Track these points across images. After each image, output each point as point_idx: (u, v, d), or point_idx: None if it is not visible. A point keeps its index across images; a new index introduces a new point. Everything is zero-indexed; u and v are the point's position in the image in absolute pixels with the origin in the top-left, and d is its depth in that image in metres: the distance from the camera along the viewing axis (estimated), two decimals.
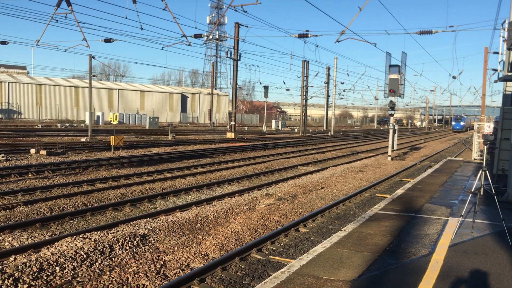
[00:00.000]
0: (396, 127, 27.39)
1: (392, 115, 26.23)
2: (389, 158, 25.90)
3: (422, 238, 8.17)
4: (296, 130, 67.05)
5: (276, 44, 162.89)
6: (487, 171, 9.85)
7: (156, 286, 6.69)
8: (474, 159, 26.00)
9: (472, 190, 9.64)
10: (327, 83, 68.32)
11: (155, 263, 7.55)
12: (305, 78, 58.78)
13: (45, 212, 10.89)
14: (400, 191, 13.36)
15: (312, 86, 61.77)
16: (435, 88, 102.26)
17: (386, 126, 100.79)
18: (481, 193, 10.46)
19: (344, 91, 71.15)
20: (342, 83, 68.33)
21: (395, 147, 27.55)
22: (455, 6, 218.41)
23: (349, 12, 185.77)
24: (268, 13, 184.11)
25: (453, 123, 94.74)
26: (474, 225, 8.84)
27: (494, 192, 9.72)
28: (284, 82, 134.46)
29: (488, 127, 23.63)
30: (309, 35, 23.68)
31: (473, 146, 27.22)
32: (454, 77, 47.48)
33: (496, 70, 35.99)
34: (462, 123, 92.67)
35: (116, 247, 7.95)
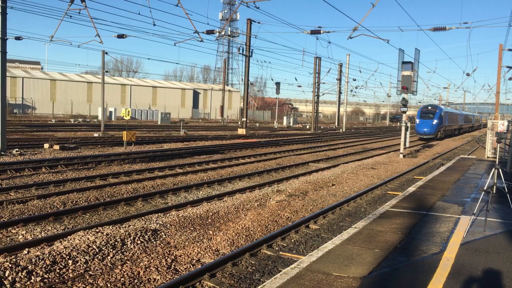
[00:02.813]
0: (409, 124, 27.19)
1: (404, 112, 26.03)
2: (401, 156, 25.75)
3: (434, 236, 8.12)
4: (307, 127, 66.90)
5: (288, 40, 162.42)
6: (500, 169, 9.76)
7: (167, 281, 6.74)
8: (488, 157, 25.75)
9: (485, 188, 9.55)
10: (339, 79, 68.03)
11: (166, 257, 7.61)
12: (317, 74, 58.57)
13: (58, 206, 11.02)
14: (411, 189, 13.28)
15: (324, 83, 61.66)
16: (448, 85, 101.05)
17: (398, 123, 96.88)
18: (494, 192, 10.37)
19: (356, 87, 70.65)
20: (354, 79, 68.06)
21: (407, 145, 27.37)
22: (469, 2, 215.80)
23: (362, 8, 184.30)
24: (280, 9, 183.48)
25: (417, 121, 46.56)
26: (486, 224, 8.77)
27: (507, 190, 9.64)
28: (296, 79, 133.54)
29: (502, 125, 23.37)
30: (321, 32, 23.58)
31: (487, 144, 26.95)
32: (468, 74, 47.06)
33: (511, 67, 35.56)
34: (435, 122, 45.22)
35: (127, 241, 8.03)
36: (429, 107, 46.38)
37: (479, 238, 8.06)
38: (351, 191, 14.65)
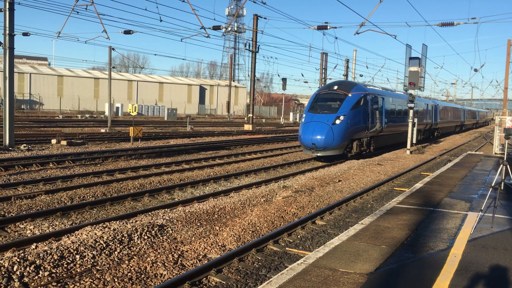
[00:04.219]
0: (416, 120, 27.08)
1: (411, 108, 25.94)
2: (408, 152, 25.65)
3: (441, 232, 8.09)
4: None
5: (294, 36, 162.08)
6: (508, 166, 9.70)
7: (173, 276, 6.77)
8: (495, 153, 25.60)
9: (492, 185, 9.49)
10: (346, 75, 67.79)
11: (173, 253, 7.64)
12: (323, 70, 58.41)
13: (65, 201, 11.08)
14: (418, 185, 13.23)
15: (330, 79, 61.16)
16: (456, 81, 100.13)
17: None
18: (502, 188, 10.31)
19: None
20: (361, 75, 67.64)
21: (414, 141, 27.27)
22: None
23: (369, 3, 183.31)
24: (287, 4, 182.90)
25: (303, 117, 21.20)
26: (494, 220, 8.72)
27: None
28: (302, 75, 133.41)
29: (510, 121, 23.21)
30: (328, 27, 23.48)
31: (494, 140, 26.79)
32: (475, 70, 46.64)
33: None
34: (340, 119, 20.07)
35: (134, 236, 8.06)
36: (335, 87, 21.99)
37: (486, 234, 8.02)
38: (357, 187, 14.61)
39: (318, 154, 20.29)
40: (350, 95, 21.05)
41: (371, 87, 24.51)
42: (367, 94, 22.20)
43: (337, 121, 19.94)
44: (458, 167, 18.00)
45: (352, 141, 21.41)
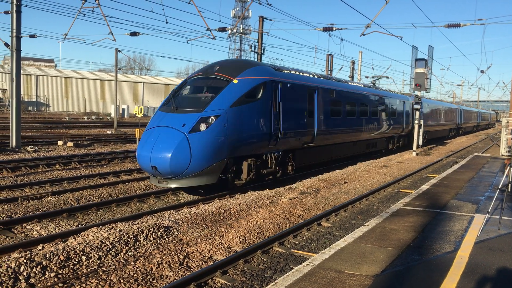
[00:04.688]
0: (422, 122, 26.99)
1: (417, 109, 25.85)
2: (414, 154, 25.56)
3: (447, 234, 8.05)
4: None
5: (300, 37, 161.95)
6: None
7: (179, 277, 6.77)
8: (502, 155, 25.46)
9: (500, 187, 9.44)
10: (352, 77, 67.69)
11: (179, 254, 7.64)
12: (329, 72, 58.34)
13: (72, 203, 11.12)
14: (425, 187, 13.17)
15: None
16: (462, 83, 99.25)
17: None
18: (509, 190, 10.25)
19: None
20: (366, 77, 67.52)
21: (421, 142, 27.16)
22: None
23: (375, 5, 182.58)
24: (292, 6, 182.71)
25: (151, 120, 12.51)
26: (501, 222, 8.67)
27: None
28: None
29: None
30: (334, 29, 23.41)
31: (501, 142, 26.65)
32: (482, 72, 46.35)
33: None
34: (209, 122, 11.40)
35: (140, 238, 8.08)
36: (216, 68, 13.26)
37: (493, 237, 7.97)
38: (363, 189, 14.57)
39: (170, 186, 11.78)
40: (235, 81, 12.61)
41: (292, 72, 15.61)
42: (275, 82, 13.76)
43: (202, 126, 11.48)
44: (464, 169, 17.91)
45: (238, 160, 12.73)
